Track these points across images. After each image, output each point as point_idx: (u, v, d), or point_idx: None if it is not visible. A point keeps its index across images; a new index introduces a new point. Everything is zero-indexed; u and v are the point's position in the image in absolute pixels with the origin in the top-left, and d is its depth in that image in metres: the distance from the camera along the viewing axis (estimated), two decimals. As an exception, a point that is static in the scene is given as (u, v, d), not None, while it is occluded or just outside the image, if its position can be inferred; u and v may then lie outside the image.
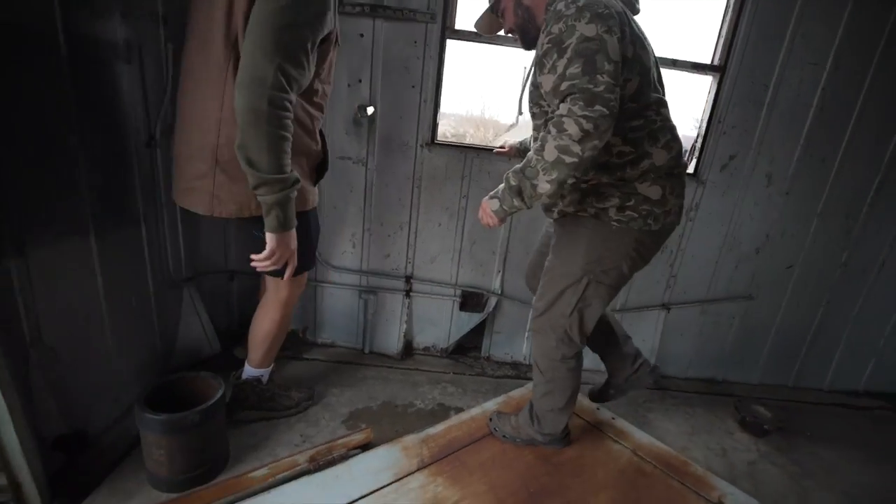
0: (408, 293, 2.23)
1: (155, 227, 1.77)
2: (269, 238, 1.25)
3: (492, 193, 1.28)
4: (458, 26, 1.88)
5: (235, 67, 1.19)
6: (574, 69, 1.08)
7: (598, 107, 1.06)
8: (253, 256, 1.31)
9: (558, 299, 1.41)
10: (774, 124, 2.02)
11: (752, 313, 2.34)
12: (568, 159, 1.10)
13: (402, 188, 2.06)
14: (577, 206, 1.35)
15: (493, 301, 2.24)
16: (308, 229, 1.48)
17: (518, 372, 2.31)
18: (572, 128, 1.07)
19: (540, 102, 1.26)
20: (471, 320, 2.28)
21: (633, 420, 2.00)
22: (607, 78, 1.07)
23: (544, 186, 1.15)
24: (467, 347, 2.40)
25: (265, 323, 1.64)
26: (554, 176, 1.13)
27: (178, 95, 1.39)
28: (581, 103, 1.07)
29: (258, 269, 1.33)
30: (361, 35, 1.86)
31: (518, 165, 1.21)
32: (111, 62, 1.48)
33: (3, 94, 1.12)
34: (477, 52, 1.90)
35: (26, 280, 1.24)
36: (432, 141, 2.00)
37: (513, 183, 1.21)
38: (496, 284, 2.22)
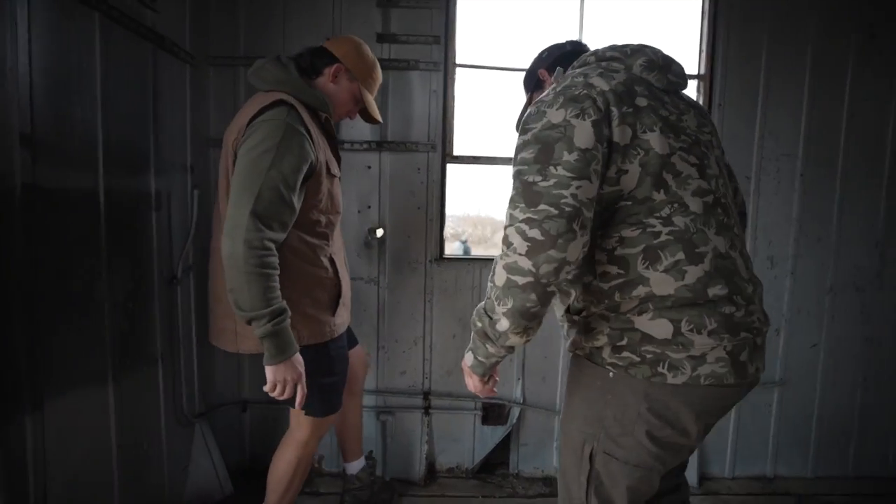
0: (427, 410, 2.14)
1: (171, 364, 1.77)
2: (267, 370, 1.27)
3: (468, 346, 1.05)
4: (456, 152, 2.07)
5: None
6: (527, 153, 0.90)
7: (542, 206, 0.84)
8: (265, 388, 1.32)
9: (566, 475, 1.06)
10: (764, 211, 2.12)
11: (788, 399, 2.23)
12: (521, 280, 0.85)
13: (415, 303, 2.10)
14: (573, 345, 1.06)
15: (516, 411, 2.15)
16: (326, 363, 1.43)
17: (551, 489, 2.12)
18: (516, 239, 0.85)
19: None
20: (494, 434, 2.16)
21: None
22: (562, 170, 0.85)
23: (503, 323, 0.90)
24: (494, 464, 2.24)
25: (280, 464, 1.54)
26: (510, 305, 0.88)
27: (212, 243, 1.49)
28: (522, 205, 0.86)
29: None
30: (369, 167, 2.03)
31: (481, 302, 0.98)
32: (143, 211, 1.61)
33: (40, 255, 1.19)
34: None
35: (40, 438, 1.20)
36: (440, 256, 2.09)
37: (477, 324, 0.97)
38: (517, 393, 2.15)
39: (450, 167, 2.07)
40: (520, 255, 0.85)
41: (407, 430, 2.15)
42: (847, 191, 2.13)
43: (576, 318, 1.03)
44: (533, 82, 1.31)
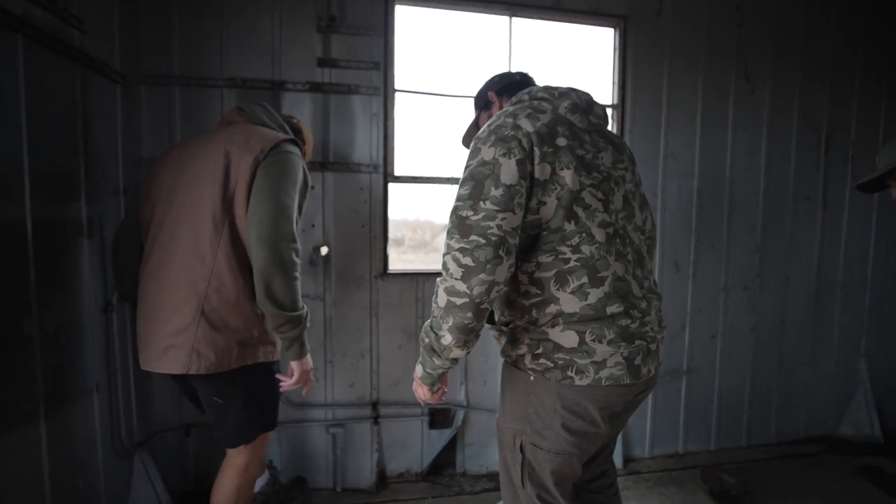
0: (376, 420, 2.22)
1: (108, 394, 1.71)
2: (295, 365, 1.46)
3: (418, 360, 1.18)
4: (397, 173, 2.17)
5: (231, 225, 1.36)
6: (463, 191, 1.05)
7: (473, 237, 0.99)
8: (282, 382, 1.49)
9: (505, 467, 1.24)
10: (669, 223, 2.43)
11: (695, 384, 2.56)
12: (458, 301, 1.00)
13: (361, 318, 2.17)
14: (504, 353, 1.22)
15: (460, 414, 2.29)
16: (274, 382, 1.50)
17: (496, 484, 2.28)
18: (452, 265, 1.01)
19: None
20: (441, 437, 2.29)
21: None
22: (490, 204, 1.00)
23: (447, 338, 1.04)
24: (442, 465, 2.36)
25: (220, 496, 1.50)
26: (451, 322, 1.02)
27: (152, 260, 1.42)
28: (457, 236, 1.01)
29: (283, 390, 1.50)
30: (312, 187, 2.06)
31: (428, 320, 1.12)
32: (74, 239, 1.54)
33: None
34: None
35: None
36: (384, 272, 2.18)
37: (425, 340, 1.10)
38: (461, 396, 2.29)
39: (391, 186, 2.17)
40: (456, 279, 1.00)
41: (357, 441, 2.21)
42: (733, 204, 2.50)
43: (504, 328, 1.19)
44: (482, 102, 1.41)
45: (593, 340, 1.06)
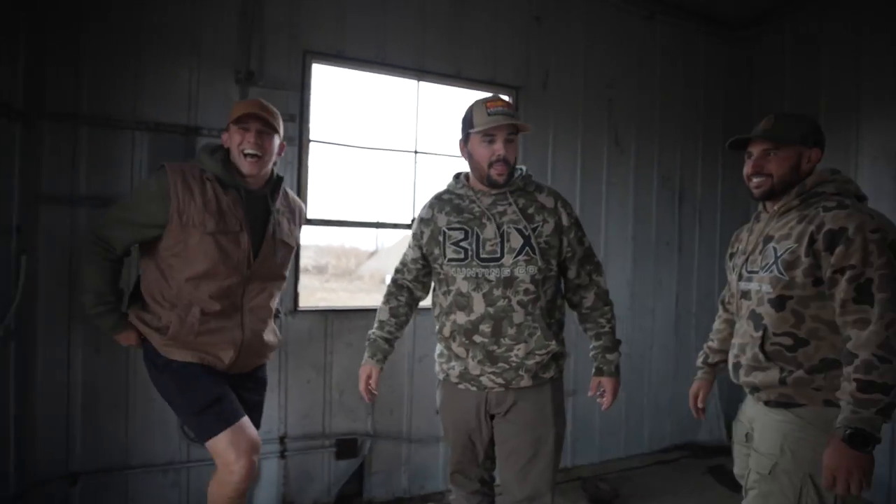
0: (282, 454, 2.27)
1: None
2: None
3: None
4: (310, 216, 2.30)
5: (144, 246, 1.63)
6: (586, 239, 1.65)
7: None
8: None
9: (552, 473, 1.54)
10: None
11: (579, 404, 2.91)
12: None
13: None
14: (546, 373, 1.54)
15: (367, 444, 2.41)
16: (182, 382, 1.55)
17: (402, 508, 2.42)
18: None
19: (551, 259, 1.48)
20: (349, 467, 2.39)
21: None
22: None
23: None
24: (350, 495, 2.45)
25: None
26: None
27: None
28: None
29: None
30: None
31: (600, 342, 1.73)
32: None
33: None
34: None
35: None
36: (295, 308, 2.28)
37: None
38: (368, 426, 2.42)
39: (305, 228, 2.29)
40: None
41: (263, 478, 2.24)
42: (608, 248, 2.95)
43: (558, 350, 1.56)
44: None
45: None
